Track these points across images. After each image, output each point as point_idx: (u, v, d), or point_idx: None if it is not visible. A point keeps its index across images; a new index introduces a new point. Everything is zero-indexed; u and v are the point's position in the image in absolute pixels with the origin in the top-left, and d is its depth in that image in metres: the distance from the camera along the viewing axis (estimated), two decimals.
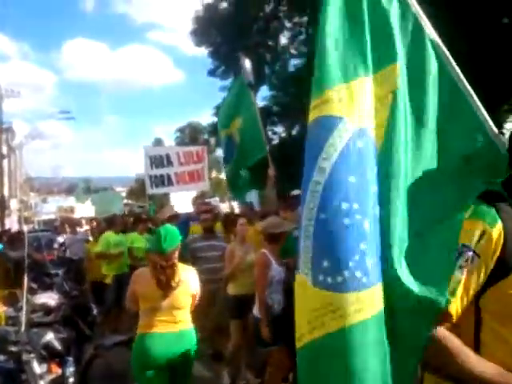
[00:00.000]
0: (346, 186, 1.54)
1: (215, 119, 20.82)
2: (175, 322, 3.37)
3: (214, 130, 21.01)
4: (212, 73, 19.69)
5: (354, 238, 1.52)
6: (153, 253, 3.45)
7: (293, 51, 18.94)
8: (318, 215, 1.54)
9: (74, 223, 10.64)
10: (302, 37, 18.78)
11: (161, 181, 8.90)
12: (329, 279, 1.49)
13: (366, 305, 1.50)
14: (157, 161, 8.88)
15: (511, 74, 13.54)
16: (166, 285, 3.30)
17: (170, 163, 8.90)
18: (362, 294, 1.49)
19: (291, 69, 19.39)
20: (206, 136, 25.65)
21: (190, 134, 45.76)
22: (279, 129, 21.10)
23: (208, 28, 18.42)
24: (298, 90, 17.99)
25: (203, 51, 19.81)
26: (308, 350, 1.51)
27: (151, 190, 9.11)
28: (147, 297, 3.37)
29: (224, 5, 18.57)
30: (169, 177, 8.91)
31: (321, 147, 1.55)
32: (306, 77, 15.33)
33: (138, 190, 66.48)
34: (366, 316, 1.49)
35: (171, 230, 3.46)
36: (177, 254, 3.41)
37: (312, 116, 1.60)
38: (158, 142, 70.73)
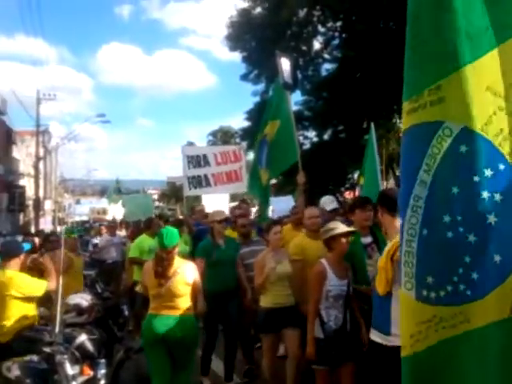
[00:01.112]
0: (448, 198, 1.47)
1: (247, 123, 20.87)
2: (175, 308, 3.92)
3: (245, 134, 21.05)
4: (245, 77, 19.75)
5: (457, 251, 1.46)
6: (158, 248, 4.09)
7: (326, 56, 18.80)
8: (421, 231, 1.49)
9: (113, 226, 10.73)
10: (336, 42, 18.65)
11: (198, 181, 8.65)
12: (432, 294, 1.47)
13: (471, 317, 1.44)
14: (194, 161, 8.66)
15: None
16: (161, 275, 3.91)
17: (207, 163, 8.66)
18: (465, 306, 1.44)
19: (324, 73, 19.26)
20: (237, 140, 25.72)
21: (222, 138, 46.14)
22: (311, 133, 20.97)
23: (242, 33, 18.49)
24: (330, 95, 17.86)
25: (236, 56, 19.90)
26: (409, 363, 1.50)
27: (189, 192, 8.85)
28: (149, 285, 4.01)
29: (258, 10, 18.61)
30: (206, 177, 8.64)
31: (420, 159, 1.48)
32: (339, 81, 15.22)
33: (169, 192, 67.45)
34: (472, 327, 1.44)
35: (172, 230, 4.14)
36: (176, 250, 4.06)
37: (407, 122, 1.53)
38: (190, 146, 71.34)
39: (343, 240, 3.77)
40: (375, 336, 3.11)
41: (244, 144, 22.31)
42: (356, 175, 30.26)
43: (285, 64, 5.96)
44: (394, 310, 2.95)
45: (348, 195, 28.91)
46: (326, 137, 20.45)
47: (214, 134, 51.03)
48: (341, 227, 3.82)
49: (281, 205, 9.17)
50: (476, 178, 1.45)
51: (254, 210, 13.14)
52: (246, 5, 18.47)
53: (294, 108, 21.28)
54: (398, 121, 21.39)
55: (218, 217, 5.37)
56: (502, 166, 1.46)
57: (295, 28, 17.90)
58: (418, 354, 1.49)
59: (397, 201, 3.38)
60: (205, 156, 8.67)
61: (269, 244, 4.70)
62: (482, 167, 1.46)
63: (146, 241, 6.93)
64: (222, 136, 47.36)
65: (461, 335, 1.45)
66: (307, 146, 20.80)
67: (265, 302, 4.50)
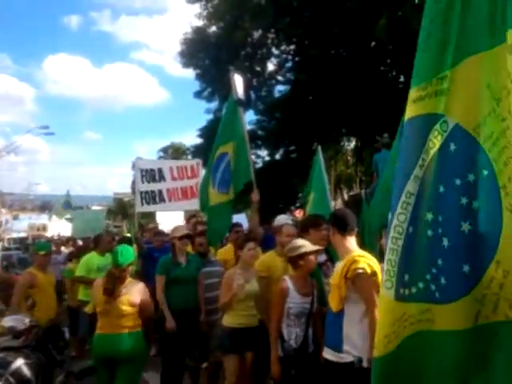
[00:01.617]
0: (435, 196, 1.41)
1: (199, 141, 20.80)
2: (121, 326, 3.93)
3: (197, 151, 20.95)
4: (198, 95, 19.74)
5: (432, 251, 1.42)
6: (112, 265, 4.09)
7: (279, 78, 19.15)
8: (408, 229, 1.43)
9: (58, 243, 10.21)
10: (289, 64, 19.05)
11: (152, 197, 8.20)
12: (406, 291, 1.43)
13: (436, 318, 1.40)
14: (148, 175, 8.22)
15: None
16: (110, 293, 3.92)
17: (162, 178, 8.24)
18: (435, 307, 1.41)
19: (277, 95, 19.58)
20: (189, 157, 25.53)
21: (173, 155, 45.59)
22: (263, 152, 21.18)
23: (196, 51, 18.52)
24: (283, 116, 18.15)
25: (189, 72, 19.87)
26: (381, 363, 1.45)
27: (141, 208, 8.37)
28: (97, 301, 4.05)
29: (213, 29, 18.75)
30: (160, 193, 8.23)
31: (418, 153, 1.41)
32: (291, 103, 15.52)
33: (115, 209, 65.65)
34: (434, 328, 1.41)
35: (127, 248, 4.21)
36: (130, 268, 4.11)
37: (412, 111, 1.44)
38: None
39: (312, 258, 3.70)
40: (328, 354, 3.12)
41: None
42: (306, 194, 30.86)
43: (238, 81, 5.92)
44: (346, 327, 3.03)
45: (298, 214, 29.31)
46: (277, 156, 20.72)
47: (164, 150, 50.36)
48: (308, 245, 3.73)
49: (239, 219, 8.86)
50: (458, 181, 1.40)
51: None
52: (200, 23, 18.57)
53: (248, 127, 21.52)
54: (345, 143, 22.05)
55: (178, 233, 5.17)
56: (485, 172, 1.40)
57: (249, 49, 18.16)
58: (389, 353, 1.46)
59: (347, 221, 3.48)
60: (160, 170, 8.28)
61: (238, 261, 4.56)
62: (465, 171, 1.41)
63: (94, 259, 6.58)
64: (173, 152, 46.80)
65: (424, 332, 1.42)
66: (259, 164, 20.98)
67: (228, 321, 4.35)
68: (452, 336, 1.42)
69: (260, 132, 20.22)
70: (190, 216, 8.87)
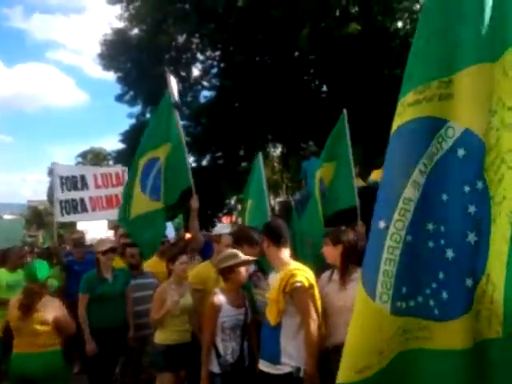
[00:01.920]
0: (437, 205, 1.33)
1: (121, 146, 20.09)
2: (36, 345, 3.82)
3: (119, 156, 20.22)
4: (120, 98, 19.04)
5: (433, 264, 1.34)
6: (28, 281, 4.00)
7: (205, 83, 19.00)
8: (406, 237, 1.33)
9: None
10: (214, 70, 18.96)
11: (73, 206, 7.65)
12: (403, 304, 1.34)
13: (435, 336, 1.32)
14: (69, 182, 7.64)
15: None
16: (25, 309, 3.81)
17: (85, 185, 7.71)
18: (434, 324, 1.33)
19: (203, 100, 19.41)
20: (110, 162, 24.56)
21: (93, 160, 43.74)
22: (190, 159, 20.88)
23: (117, 53, 17.86)
24: (209, 122, 18.00)
25: (109, 75, 19.14)
26: (375, 380, 1.35)
27: (61, 218, 7.78)
28: (11, 316, 3.93)
29: (135, 31, 18.19)
30: (82, 201, 7.71)
31: (416, 157, 1.33)
32: (217, 109, 15.45)
33: (29, 217, 61.78)
34: (433, 346, 1.33)
35: (43, 262, 4.18)
36: (48, 283, 4.11)
37: (407, 115, 1.37)
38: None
39: (242, 270, 3.58)
40: (264, 366, 3.15)
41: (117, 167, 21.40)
42: (233, 201, 30.89)
43: (173, 83, 5.65)
44: (283, 340, 3.07)
45: (225, 220, 29.27)
46: (204, 162, 20.52)
47: (83, 155, 48.24)
48: (239, 256, 3.60)
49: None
50: (466, 189, 1.33)
51: None
52: (121, 25, 17.95)
53: None
54: (271, 150, 22.36)
55: (102, 247, 4.88)
56: (482, 182, 1.36)
57: (174, 53, 17.84)
58: (381, 370, 1.37)
59: (281, 233, 3.39)
60: (83, 177, 7.77)
61: (171, 275, 4.35)
62: (475, 177, 1.34)
63: (2, 275, 5.88)
64: (93, 158, 44.93)
65: (420, 350, 1.35)
66: None
67: (161, 338, 4.18)
68: (451, 356, 1.35)
69: (186, 138, 19.90)
70: (115, 226, 8.35)
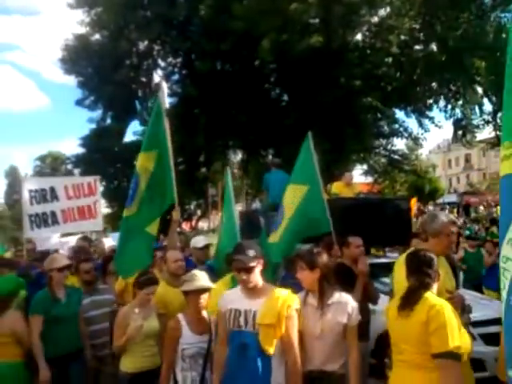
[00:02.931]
0: None
1: (80, 150, 19.90)
2: None
3: (78, 161, 20.02)
4: (80, 103, 18.89)
5: None
6: None
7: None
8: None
9: None
10: (175, 77, 19.08)
11: (43, 219, 7.35)
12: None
13: None
14: (38, 195, 7.37)
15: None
16: None
17: (55, 198, 7.43)
18: None
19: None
20: (69, 167, 24.18)
21: (51, 164, 42.79)
22: None
23: (78, 58, 17.75)
24: (170, 128, 18.04)
25: (70, 79, 18.92)
26: None
27: (31, 233, 7.38)
28: None
29: (96, 37, 18.13)
30: (54, 214, 7.40)
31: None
32: (178, 115, 15.58)
33: None
34: None
35: (7, 277, 4.20)
36: (17, 295, 4.04)
37: (504, 168, 1.35)
38: (14, 171, 64.64)
39: (201, 297, 3.25)
40: None
41: (76, 171, 21.14)
42: (193, 206, 30.91)
43: (165, 89, 5.44)
44: (274, 369, 2.88)
45: (185, 226, 29.28)
46: None
47: (42, 158, 47.11)
48: (200, 279, 3.28)
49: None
50: None
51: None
52: (83, 30, 17.86)
53: (134, 138, 21.04)
54: (232, 156, 22.61)
55: (57, 264, 4.39)
56: None
57: (135, 59, 17.87)
58: None
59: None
60: (53, 189, 7.46)
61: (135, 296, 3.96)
62: None
63: None
64: (52, 162, 43.94)
65: None
66: None
67: (127, 366, 3.82)
68: None
69: None
70: (81, 238, 8.06)
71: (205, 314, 3.39)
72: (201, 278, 3.30)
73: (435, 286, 2.78)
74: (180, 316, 3.29)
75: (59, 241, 10.19)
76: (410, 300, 2.68)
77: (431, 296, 2.66)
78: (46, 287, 4.36)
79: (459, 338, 2.52)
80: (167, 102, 5.43)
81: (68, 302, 4.36)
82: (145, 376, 3.75)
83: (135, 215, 5.02)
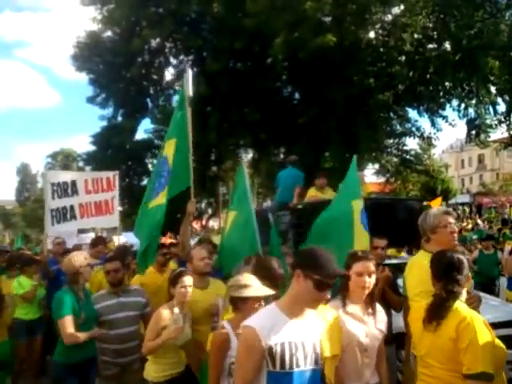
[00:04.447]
0: None
1: (92, 147, 19.98)
2: None
3: (89, 158, 20.10)
4: (91, 100, 18.96)
5: None
6: None
7: (177, 88, 19.08)
8: None
9: None
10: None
11: (63, 214, 7.15)
12: None
13: None
14: (60, 189, 7.19)
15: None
16: None
17: (75, 192, 7.27)
18: None
19: (174, 104, 19.46)
20: (80, 164, 24.30)
21: (63, 161, 43.08)
22: None
23: (90, 55, 17.81)
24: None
25: (81, 76, 19.00)
26: None
27: (52, 228, 7.17)
28: None
29: (108, 34, 18.17)
30: (72, 208, 7.21)
31: None
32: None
33: None
34: None
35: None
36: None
37: None
38: (25, 168, 65.38)
39: (256, 305, 2.83)
40: None
41: (87, 169, 21.22)
42: (203, 205, 30.92)
43: (190, 77, 5.40)
44: None
45: (196, 224, 29.30)
46: None
47: (54, 155, 47.50)
48: (255, 286, 2.89)
49: (132, 239, 7.69)
50: None
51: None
52: (95, 27, 17.91)
53: (144, 136, 21.08)
54: (243, 155, 22.56)
55: (86, 261, 4.25)
56: None
57: (147, 56, 17.87)
58: None
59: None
60: (74, 183, 7.30)
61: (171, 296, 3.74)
62: None
63: None
64: (63, 159, 44.26)
65: None
66: None
67: (154, 374, 3.59)
68: None
69: (157, 141, 19.95)
70: (97, 238, 7.56)
71: None
72: (255, 281, 2.92)
73: (464, 292, 2.54)
74: (225, 324, 2.90)
75: (77, 238, 10.16)
76: (437, 313, 2.42)
77: (460, 306, 2.43)
78: (67, 285, 4.18)
79: (493, 354, 2.29)
80: (191, 90, 5.35)
81: (87, 303, 4.21)
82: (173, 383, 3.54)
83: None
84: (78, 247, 7.45)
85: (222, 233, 5.51)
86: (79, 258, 4.22)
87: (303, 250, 2.52)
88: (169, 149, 5.12)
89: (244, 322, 2.24)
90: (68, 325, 3.89)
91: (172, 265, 5.65)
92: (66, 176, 7.62)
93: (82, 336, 3.93)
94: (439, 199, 17.02)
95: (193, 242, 6.08)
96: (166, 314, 3.56)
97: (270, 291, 2.87)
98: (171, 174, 4.98)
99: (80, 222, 7.44)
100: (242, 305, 2.87)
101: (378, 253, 4.27)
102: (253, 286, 2.88)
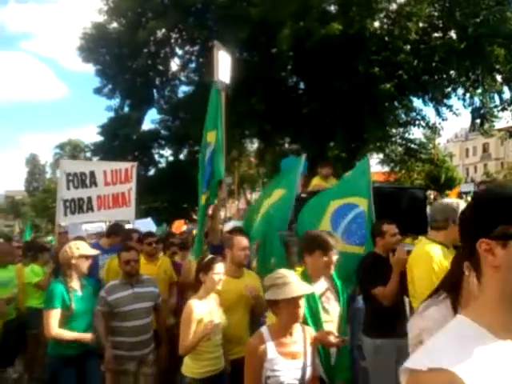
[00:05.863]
0: None
1: (99, 138, 20.16)
2: None
3: (97, 149, 20.28)
4: (98, 91, 19.10)
5: None
6: None
7: (183, 78, 19.17)
8: None
9: None
10: (193, 65, 19.13)
11: (79, 205, 6.92)
12: None
13: None
14: (77, 180, 6.94)
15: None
16: None
17: (93, 183, 7.04)
18: None
19: (180, 95, 19.58)
20: (88, 155, 24.53)
21: (70, 152, 43.38)
22: (167, 152, 21.10)
23: (96, 46, 17.92)
24: (186, 116, 18.19)
25: (88, 67, 19.17)
26: None
27: (64, 219, 6.98)
28: None
29: (114, 25, 18.26)
30: (90, 200, 6.98)
31: None
32: (195, 104, 15.67)
33: (6, 207, 60.81)
34: None
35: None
36: None
37: None
38: (34, 158, 65.83)
39: (300, 303, 2.47)
40: None
41: (95, 159, 21.43)
42: None
43: (223, 59, 5.04)
44: None
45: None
46: (181, 156, 20.73)
47: (61, 146, 47.82)
48: (297, 283, 2.49)
49: (142, 228, 7.64)
50: None
51: None
52: (101, 18, 18.00)
53: (151, 126, 21.23)
54: (249, 145, 22.68)
55: (87, 251, 4.18)
56: None
57: (153, 47, 17.96)
58: None
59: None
60: (92, 174, 7.05)
61: (200, 286, 3.51)
62: None
63: None
64: (71, 150, 44.56)
65: None
66: (163, 164, 20.89)
67: (193, 370, 3.40)
68: None
69: (163, 131, 20.09)
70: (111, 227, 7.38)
71: (299, 328, 2.57)
72: (295, 278, 2.53)
73: None
74: (265, 330, 2.55)
75: (85, 228, 10.16)
76: None
77: None
78: (61, 277, 4.08)
79: None
80: (223, 73, 5.01)
81: (85, 295, 4.10)
82: (212, 381, 3.39)
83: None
84: (79, 239, 7.55)
85: (258, 211, 5.55)
86: (71, 250, 4.05)
87: None
88: (211, 138, 5.08)
89: (424, 362, 0.96)
90: (51, 318, 3.79)
91: (163, 258, 5.75)
92: (84, 166, 7.41)
93: (69, 336, 3.83)
94: (457, 189, 16.97)
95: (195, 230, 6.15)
96: (198, 306, 3.36)
97: (311, 288, 2.61)
98: (213, 163, 4.95)
99: (97, 214, 7.23)
100: (282, 307, 2.49)
101: (388, 239, 4.08)
102: (293, 282, 2.47)
